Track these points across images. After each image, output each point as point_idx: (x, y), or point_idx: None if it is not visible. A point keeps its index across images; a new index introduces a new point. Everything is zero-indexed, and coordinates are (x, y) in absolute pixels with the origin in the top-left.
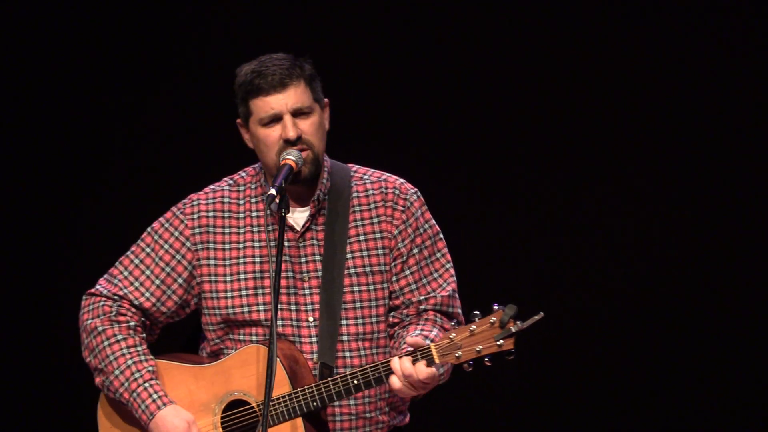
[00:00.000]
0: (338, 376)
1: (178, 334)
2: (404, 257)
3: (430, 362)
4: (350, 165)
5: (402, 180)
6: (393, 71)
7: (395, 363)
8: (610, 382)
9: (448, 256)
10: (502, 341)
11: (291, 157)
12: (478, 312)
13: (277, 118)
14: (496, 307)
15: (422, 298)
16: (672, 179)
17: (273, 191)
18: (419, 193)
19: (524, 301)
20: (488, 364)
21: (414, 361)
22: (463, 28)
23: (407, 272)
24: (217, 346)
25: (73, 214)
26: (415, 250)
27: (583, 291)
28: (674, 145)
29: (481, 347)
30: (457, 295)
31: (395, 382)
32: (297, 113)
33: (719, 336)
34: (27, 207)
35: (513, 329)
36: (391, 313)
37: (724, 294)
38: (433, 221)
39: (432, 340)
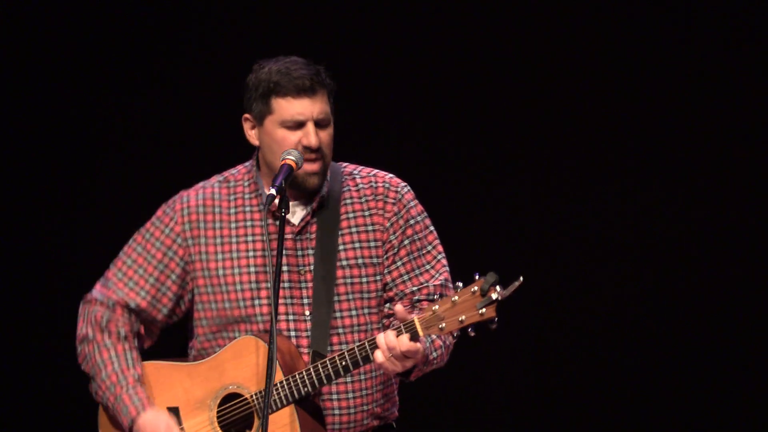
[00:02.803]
0: (327, 359)
1: (173, 343)
2: (395, 249)
3: (414, 335)
4: (341, 163)
5: (391, 175)
6: (383, 68)
7: (380, 337)
8: (611, 382)
9: (440, 248)
10: (483, 309)
11: (291, 157)
12: (460, 283)
13: (300, 124)
14: (477, 277)
15: (414, 288)
16: (672, 178)
17: (273, 191)
18: (409, 187)
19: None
20: (472, 335)
21: (398, 335)
22: (457, 27)
23: (399, 263)
24: (209, 343)
25: (67, 214)
26: (407, 242)
27: (584, 291)
28: (675, 145)
29: (464, 317)
30: (450, 284)
31: (379, 356)
32: (318, 123)
33: (720, 336)
34: (21, 207)
35: (494, 296)
36: (386, 305)
37: (725, 294)
38: (425, 214)
39: None
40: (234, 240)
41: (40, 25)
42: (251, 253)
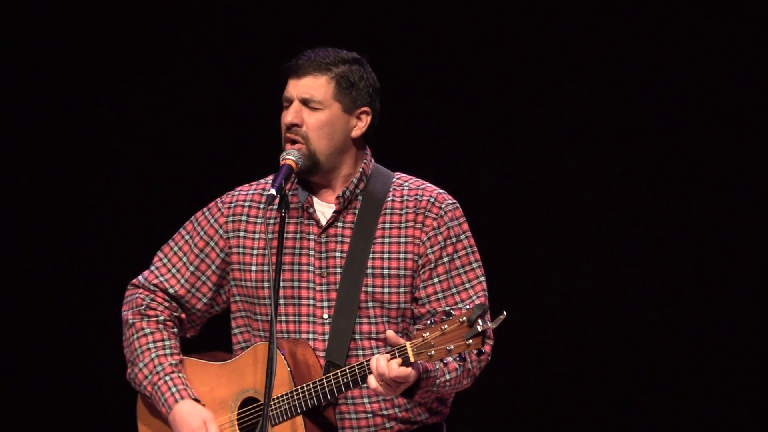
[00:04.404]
0: (331, 374)
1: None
2: (432, 264)
3: (406, 361)
4: (396, 173)
5: (441, 191)
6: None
7: (372, 361)
8: (613, 386)
9: (481, 270)
10: (470, 340)
11: (291, 157)
12: (452, 312)
13: (289, 102)
14: (467, 307)
15: (448, 308)
16: (672, 181)
17: (273, 191)
18: (457, 205)
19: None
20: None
21: (391, 359)
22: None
23: (435, 280)
24: (249, 334)
25: (74, 213)
26: (446, 259)
27: (585, 295)
28: (676, 147)
29: (452, 346)
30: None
31: (372, 381)
32: (305, 103)
33: (720, 337)
34: (27, 206)
35: (479, 328)
36: (416, 327)
37: (725, 295)
38: (470, 233)
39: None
40: (270, 237)
41: (43, 25)
42: (284, 251)
